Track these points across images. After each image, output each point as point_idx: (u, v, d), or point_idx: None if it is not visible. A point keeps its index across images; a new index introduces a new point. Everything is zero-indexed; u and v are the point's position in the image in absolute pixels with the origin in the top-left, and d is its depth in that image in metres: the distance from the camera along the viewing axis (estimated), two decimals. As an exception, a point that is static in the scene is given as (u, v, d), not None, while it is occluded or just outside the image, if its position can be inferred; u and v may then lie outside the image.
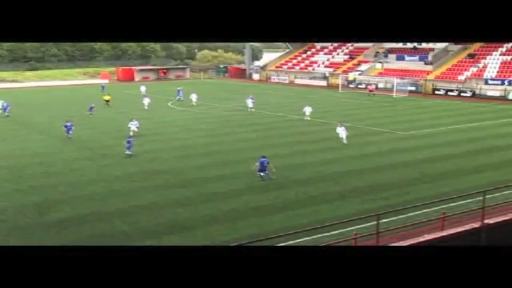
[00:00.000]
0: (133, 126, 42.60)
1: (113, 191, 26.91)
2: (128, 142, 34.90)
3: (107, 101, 62.54)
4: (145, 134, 43.27)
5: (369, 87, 77.38)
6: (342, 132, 38.75)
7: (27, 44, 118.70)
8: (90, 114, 53.36)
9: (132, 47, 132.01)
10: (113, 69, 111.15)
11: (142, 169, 31.29)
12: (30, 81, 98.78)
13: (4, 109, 52.94)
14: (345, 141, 38.06)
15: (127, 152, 34.62)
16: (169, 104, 64.00)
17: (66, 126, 41.34)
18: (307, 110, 50.75)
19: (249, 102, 57.66)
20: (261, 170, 28.66)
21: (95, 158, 34.58)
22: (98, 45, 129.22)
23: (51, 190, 26.96)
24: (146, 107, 58.45)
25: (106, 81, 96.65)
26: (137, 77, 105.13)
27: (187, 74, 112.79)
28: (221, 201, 24.99)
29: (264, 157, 29.25)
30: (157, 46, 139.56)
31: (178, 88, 70.72)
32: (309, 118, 49.90)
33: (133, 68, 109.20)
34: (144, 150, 36.47)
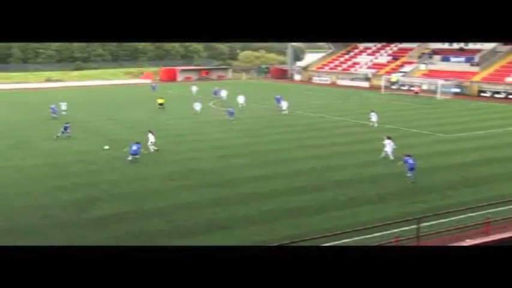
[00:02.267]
0: (151, 138, 36.68)
1: (151, 189, 27.23)
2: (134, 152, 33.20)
3: (161, 104, 59.98)
4: (184, 133, 43.67)
5: (415, 89, 76.22)
6: (388, 145, 33.83)
7: (75, 45, 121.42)
8: (58, 137, 41.40)
9: (175, 47, 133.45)
10: (156, 69, 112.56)
11: (181, 168, 31.56)
12: (75, 80, 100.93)
13: (53, 111, 53.32)
14: (391, 157, 33.11)
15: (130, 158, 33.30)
16: (210, 104, 64.36)
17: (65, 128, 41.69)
18: (373, 116, 47.72)
19: (283, 105, 56.48)
20: (411, 169, 28.04)
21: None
22: (141, 46, 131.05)
23: (93, 188, 27.46)
24: (198, 113, 54.51)
25: (149, 81, 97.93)
26: (179, 77, 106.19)
27: (229, 74, 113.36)
28: (259, 202, 24.99)
29: (408, 156, 28.71)
30: (200, 46, 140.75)
31: (216, 88, 72.43)
32: (376, 125, 46.97)
33: (176, 68, 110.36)
34: (183, 150, 36.80)
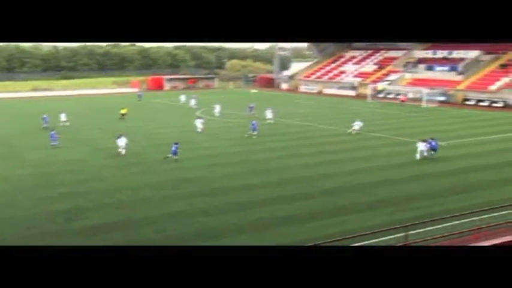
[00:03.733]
0: (121, 142, 38.45)
1: (141, 199, 26.96)
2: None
3: (123, 114, 59.29)
4: (173, 142, 43.36)
5: (400, 97, 76.51)
6: (422, 147, 36.22)
7: (61, 53, 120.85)
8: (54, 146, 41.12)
9: (162, 56, 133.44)
10: (143, 78, 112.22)
11: (170, 177, 31.32)
12: (62, 89, 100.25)
13: (45, 121, 52.14)
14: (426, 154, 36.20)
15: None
16: (197, 113, 64.17)
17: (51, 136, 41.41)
18: (356, 125, 48.24)
19: (268, 114, 55.97)
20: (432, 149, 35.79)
21: (124, 166, 34.75)
22: (128, 54, 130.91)
23: (81, 197, 27.13)
24: (199, 130, 49.17)
25: (136, 89, 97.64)
26: (166, 86, 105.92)
27: (216, 83, 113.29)
28: (249, 211, 24.83)
29: (432, 139, 36.78)
30: (187, 55, 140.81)
31: (193, 96, 73.31)
32: (353, 132, 47.76)
33: (163, 76, 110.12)
34: (172, 159, 36.54)
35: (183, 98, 75.84)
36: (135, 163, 35.29)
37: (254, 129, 46.34)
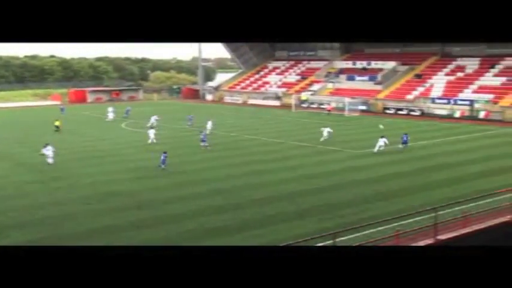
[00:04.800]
0: (48, 152, 38.41)
1: (66, 214, 26.18)
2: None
3: (57, 126, 57.76)
4: (99, 155, 42.56)
5: (327, 106, 78.15)
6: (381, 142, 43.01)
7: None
8: None
9: (84, 68, 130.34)
10: (64, 90, 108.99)
11: (97, 191, 30.63)
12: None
13: None
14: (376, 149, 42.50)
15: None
16: (122, 125, 63.20)
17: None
18: (325, 131, 49.40)
19: (209, 124, 55.59)
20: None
21: (48, 180, 33.69)
22: (48, 66, 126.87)
23: (1, 215, 26.06)
24: (153, 140, 48.36)
25: (58, 102, 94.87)
26: (90, 99, 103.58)
27: (141, 95, 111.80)
28: (178, 223, 24.66)
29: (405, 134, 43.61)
30: (109, 67, 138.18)
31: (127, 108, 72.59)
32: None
33: (86, 89, 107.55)
34: (98, 172, 35.80)
35: (110, 110, 74.20)
36: (60, 177, 34.28)
37: (203, 141, 45.97)
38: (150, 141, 48.53)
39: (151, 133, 49.27)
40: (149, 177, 34.48)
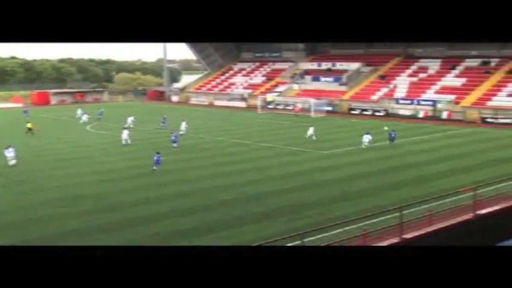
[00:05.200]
0: (9, 154, 38.33)
1: (33, 219, 25.81)
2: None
3: (30, 128, 56.77)
4: (64, 158, 42.02)
5: (295, 107, 78.64)
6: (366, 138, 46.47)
7: None
8: None
9: (47, 69, 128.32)
10: (27, 92, 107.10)
11: (63, 195, 30.27)
12: None
13: None
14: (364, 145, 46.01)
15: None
16: (88, 128, 62.48)
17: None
18: (311, 129, 51.75)
19: (183, 125, 56.44)
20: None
21: (12, 184, 33.15)
22: (9, 67, 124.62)
23: (-35, 220, 25.57)
24: (127, 141, 48.80)
25: (20, 105, 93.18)
26: (53, 101, 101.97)
27: (106, 97, 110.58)
28: (146, 225, 24.57)
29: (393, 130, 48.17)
30: (73, 69, 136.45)
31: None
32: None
33: (49, 91, 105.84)
34: (63, 175, 35.35)
35: (80, 112, 73.38)
36: (25, 181, 33.74)
37: (174, 142, 46.84)
38: (123, 142, 48.57)
39: (125, 134, 49.26)
40: (116, 179, 34.21)
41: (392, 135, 48.12)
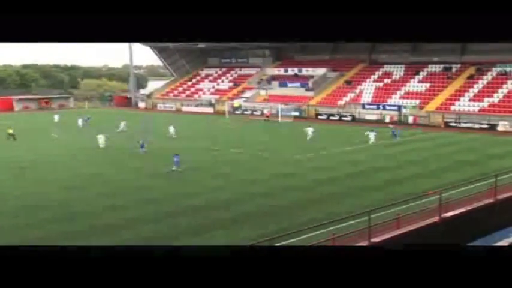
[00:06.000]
0: None
1: (-7, 228, 25.05)
2: None
3: (11, 134, 56.73)
4: (28, 166, 41.02)
5: (265, 112, 78.89)
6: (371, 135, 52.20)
7: None
8: None
9: (10, 75, 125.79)
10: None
11: (24, 203, 29.42)
12: None
13: None
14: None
15: None
16: (52, 135, 61.28)
17: None
18: (309, 130, 54.78)
19: (171, 129, 58.27)
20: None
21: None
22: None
23: None
24: (101, 145, 49.97)
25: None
26: (17, 107, 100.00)
27: (71, 103, 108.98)
28: (112, 234, 24.01)
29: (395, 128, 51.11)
30: (37, 75, 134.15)
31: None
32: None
33: (12, 97, 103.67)
34: (25, 184, 34.46)
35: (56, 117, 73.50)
36: (-15, 190, 32.81)
37: (142, 146, 47.13)
38: (101, 145, 49.77)
39: (101, 139, 50.35)
40: (80, 187, 33.46)
41: (394, 132, 56.07)
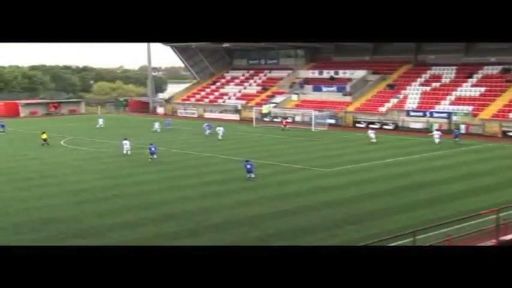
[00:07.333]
0: None
1: (-6, 245, 25.32)
2: None
3: (45, 139, 58.87)
4: (32, 177, 41.52)
5: (283, 120, 77.98)
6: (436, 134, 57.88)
7: None
8: None
9: (17, 77, 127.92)
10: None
11: (30, 218, 29.75)
12: None
13: None
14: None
15: None
16: (61, 143, 62.05)
17: None
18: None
19: (220, 130, 63.76)
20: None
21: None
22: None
23: None
24: (125, 152, 51.94)
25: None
26: (23, 113, 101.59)
27: (82, 108, 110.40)
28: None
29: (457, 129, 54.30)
30: (46, 77, 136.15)
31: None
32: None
33: (18, 101, 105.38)
34: (31, 197, 34.86)
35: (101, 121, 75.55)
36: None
37: (152, 153, 48.48)
38: (124, 152, 51.75)
39: (127, 144, 52.32)
40: (90, 201, 33.71)
41: (457, 133, 59.98)
